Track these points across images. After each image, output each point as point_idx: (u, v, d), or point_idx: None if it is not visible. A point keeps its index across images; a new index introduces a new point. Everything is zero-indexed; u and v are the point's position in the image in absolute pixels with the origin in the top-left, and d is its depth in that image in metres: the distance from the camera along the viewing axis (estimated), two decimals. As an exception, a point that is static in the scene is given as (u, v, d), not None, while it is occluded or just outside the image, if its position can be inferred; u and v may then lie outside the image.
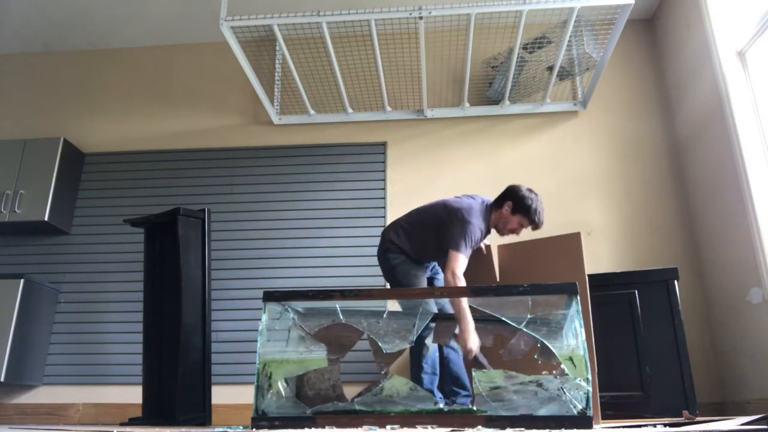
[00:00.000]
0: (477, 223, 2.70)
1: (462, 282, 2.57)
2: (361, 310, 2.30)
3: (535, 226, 2.78)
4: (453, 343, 2.71)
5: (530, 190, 2.80)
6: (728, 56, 3.43)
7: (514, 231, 2.82)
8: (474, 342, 2.43)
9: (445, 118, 4.19)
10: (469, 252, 2.66)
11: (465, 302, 2.46)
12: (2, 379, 3.43)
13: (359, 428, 1.86)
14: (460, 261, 2.60)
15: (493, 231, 2.90)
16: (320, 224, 4.02)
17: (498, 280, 2.97)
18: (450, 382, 2.74)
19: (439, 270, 2.97)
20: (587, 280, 2.58)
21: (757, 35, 3.27)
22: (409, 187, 4.03)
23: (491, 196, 2.90)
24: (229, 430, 2.22)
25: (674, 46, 4.02)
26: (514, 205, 2.77)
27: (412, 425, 1.88)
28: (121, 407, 3.65)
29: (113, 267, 4.01)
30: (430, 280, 2.97)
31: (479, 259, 2.94)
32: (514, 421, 1.84)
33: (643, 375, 2.79)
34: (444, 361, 2.74)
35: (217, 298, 3.65)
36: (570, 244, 2.65)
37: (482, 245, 2.97)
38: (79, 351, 3.85)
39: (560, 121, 4.17)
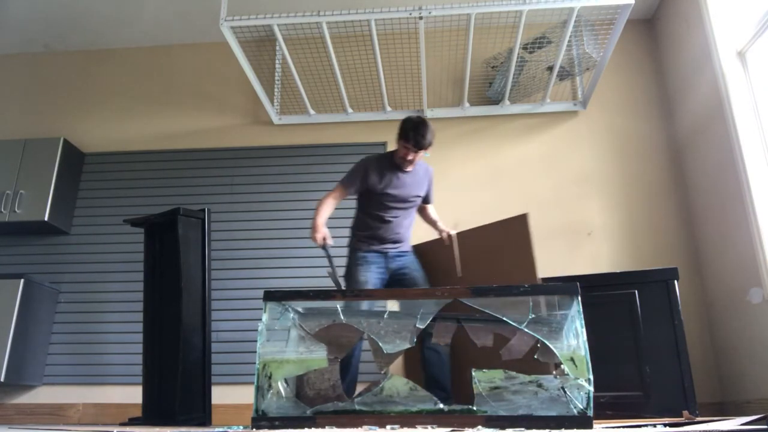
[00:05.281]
0: (364, 161, 2.89)
1: (323, 203, 2.81)
2: (362, 311, 2.29)
3: (414, 144, 2.74)
4: (433, 345, 2.69)
5: (417, 116, 2.85)
6: (728, 56, 3.43)
7: (405, 158, 2.81)
8: (316, 233, 2.74)
9: (445, 118, 4.18)
10: (349, 183, 2.86)
11: (326, 203, 2.80)
12: (2, 379, 3.43)
13: (359, 428, 1.86)
14: (335, 189, 2.87)
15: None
16: (320, 224, 4.01)
17: (459, 269, 2.99)
18: (431, 384, 2.70)
19: (406, 264, 2.92)
20: (535, 261, 2.63)
21: (757, 35, 3.27)
22: (409, 187, 4.02)
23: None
24: (229, 430, 2.23)
25: (674, 46, 4.02)
26: (398, 134, 2.82)
27: (412, 425, 1.88)
28: (121, 407, 3.66)
29: (113, 267, 4.01)
30: (399, 278, 2.89)
31: (442, 250, 2.97)
32: (514, 421, 1.84)
33: (643, 375, 2.78)
34: (423, 363, 2.74)
35: (217, 298, 3.65)
36: (517, 227, 2.69)
37: (444, 235, 2.95)
38: (79, 351, 3.85)
39: (560, 121, 4.17)
